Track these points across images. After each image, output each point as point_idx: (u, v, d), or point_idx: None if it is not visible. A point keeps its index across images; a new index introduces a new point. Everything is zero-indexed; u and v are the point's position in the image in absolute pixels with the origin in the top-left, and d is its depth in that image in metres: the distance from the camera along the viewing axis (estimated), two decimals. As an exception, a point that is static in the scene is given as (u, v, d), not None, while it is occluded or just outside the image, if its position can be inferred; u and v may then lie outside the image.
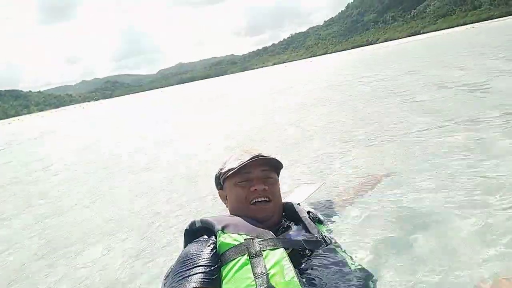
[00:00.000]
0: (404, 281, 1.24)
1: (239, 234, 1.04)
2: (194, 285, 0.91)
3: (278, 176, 1.35)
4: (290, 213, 1.28)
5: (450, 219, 1.59)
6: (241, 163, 1.24)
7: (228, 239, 1.03)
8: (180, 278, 0.95)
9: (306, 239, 1.11)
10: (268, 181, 1.25)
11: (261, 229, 1.09)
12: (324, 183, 2.35)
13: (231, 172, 1.25)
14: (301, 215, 1.23)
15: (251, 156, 1.25)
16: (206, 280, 0.93)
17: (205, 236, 1.09)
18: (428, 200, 1.82)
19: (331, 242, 1.15)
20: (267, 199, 1.22)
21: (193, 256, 1.00)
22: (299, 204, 1.37)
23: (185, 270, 0.96)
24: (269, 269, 0.93)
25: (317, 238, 1.13)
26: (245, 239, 1.02)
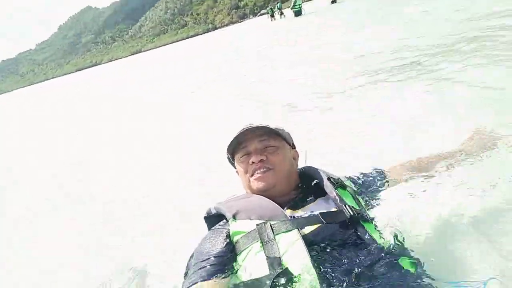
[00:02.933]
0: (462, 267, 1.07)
1: (250, 220, 1.01)
2: (206, 277, 0.91)
3: (290, 144, 1.27)
4: (308, 180, 1.19)
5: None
6: (233, 138, 1.19)
7: (240, 226, 1.01)
8: (194, 270, 0.95)
9: (324, 211, 1.02)
10: (267, 150, 1.17)
11: (275, 209, 1.02)
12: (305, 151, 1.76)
13: (228, 149, 1.23)
14: (320, 182, 1.13)
15: (243, 128, 1.18)
16: (218, 271, 0.93)
17: (221, 223, 1.09)
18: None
19: (357, 212, 1.01)
20: (265, 169, 1.14)
21: (207, 248, 1.00)
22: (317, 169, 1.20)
23: (199, 262, 0.97)
24: (283, 254, 0.90)
25: (338, 209, 1.03)
26: (257, 225, 0.98)
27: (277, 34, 13.55)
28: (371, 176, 1.28)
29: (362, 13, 11.64)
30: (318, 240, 0.93)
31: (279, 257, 0.89)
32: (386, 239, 1.00)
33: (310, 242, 0.92)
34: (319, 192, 1.11)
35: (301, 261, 0.87)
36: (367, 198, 1.20)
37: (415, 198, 1.28)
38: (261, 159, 1.14)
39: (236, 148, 1.21)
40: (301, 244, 0.90)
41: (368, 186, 1.24)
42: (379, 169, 1.31)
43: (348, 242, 0.93)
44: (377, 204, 1.20)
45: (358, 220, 0.98)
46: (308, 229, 0.96)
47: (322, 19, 14.48)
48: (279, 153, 1.18)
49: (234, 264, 0.96)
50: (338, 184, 1.10)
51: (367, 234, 0.95)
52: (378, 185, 1.25)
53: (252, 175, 1.14)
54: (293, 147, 1.29)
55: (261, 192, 1.11)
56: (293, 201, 1.09)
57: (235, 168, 1.28)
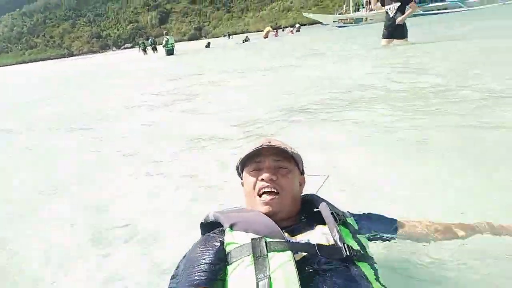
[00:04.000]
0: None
1: (246, 233, 1.00)
2: (196, 284, 0.92)
3: (300, 169, 1.26)
4: (311, 208, 1.19)
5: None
6: (251, 150, 1.19)
7: (235, 238, 1.01)
8: (184, 276, 0.96)
9: (321, 243, 0.99)
10: (279, 172, 1.17)
11: (273, 227, 1.02)
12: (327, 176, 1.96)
13: (242, 159, 1.22)
14: (322, 214, 1.11)
15: (262, 145, 1.18)
16: (209, 279, 0.93)
17: (216, 231, 1.08)
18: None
19: (354, 253, 0.98)
20: (275, 190, 1.13)
21: (200, 254, 1.00)
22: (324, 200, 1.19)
23: (190, 267, 0.97)
24: (272, 272, 0.90)
25: (335, 245, 1.00)
26: (252, 239, 0.97)
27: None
28: (377, 221, 1.25)
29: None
30: (310, 268, 0.93)
31: (268, 275, 0.89)
32: (381, 281, 0.98)
33: (301, 268, 0.91)
34: (319, 221, 1.11)
35: (289, 282, 0.87)
36: (368, 237, 1.20)
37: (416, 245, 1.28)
38: (271, 179, 1.14)
39: (248, 160, 1.22)
40: (292, 266, 0.90)
41: (369, 230, 1.21)
42: (392, 218, 1.27)
43: (340, 277, 0.92)
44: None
45: (354, 260, 0.98)
46: (302, 255, 0.96)
47: (193, 60, 16.06)
48: (289, 176, 1.19)
49: (225, 273, 0.96)
50: (341, 221, 1.10)
51: (361, 274, 0.95)
52: (382, 231, 1.23)
53: (259, 195, 1.15)
54: (302, 172, 1.29)
55: (267, 215, 1.11)
56: (293, 226, 1.10)
57: (241, 180, 1.29)
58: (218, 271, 0.96)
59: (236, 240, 1.00)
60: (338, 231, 1.04)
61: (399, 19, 7.61)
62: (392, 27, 7.83)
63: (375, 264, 1.04)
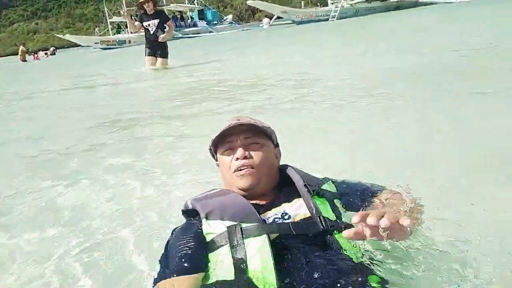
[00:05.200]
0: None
1: (222, 221, 1.02)
2: (178, 273, 0.92)
3: (274, 142, 1.28)
4: (287, 178, 1.19)
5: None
6: (221, 131, 1.18)
7: (211, 227, 1.02)
8: (166, 264, 0.99)
9: (296, 220, 1.02)
10: (251, 147, 1.18)
11: (248, 210, 1.03)
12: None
13: (214, 140, 1.22)
14: (297, 186, 1.12)
15: (230, 124, 1.17)
16: (190, 268, 0.94)
17: (197, 218, 1.09)
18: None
19: (331, 224, 1.00)
20: (250, 167, 1.14)
21: (181, 243, 1.01)
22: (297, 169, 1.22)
23: (172, 257, 0.99)
24: (249, 259, 0.92)
25: (312, 218, 1.02)
26: (228, 227, 0.99)
27: None
28: (360, 187, 1.20)
29: None
30: (286, 247, 0.95)
31: (245, 262, 0.91)
32: (359, 252, 0.96)
33: (279, 248, 0.93)
34: (297, 192, 1.11)
35: (266, 268, 0.89)
36: (348, 202, 1.15)
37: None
38: (245, 156, 1.15)
39: (220, 141, 1.21)
40: (268, 251, 0.92)
41: (348, 195, 1.17)
42: (379, 186, 1.21)
43: (317, 253, 0.93)
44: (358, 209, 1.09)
45: (331, 232, 0.98)
46: (277, 235, 0.97)
47: None
48: (263, 151, 1.19)
49: (206, 262, 0.97)
50: (315, 191, 1.09)
51: (339, 246, 0.95)
52: (363, 197, 1.15)
53: (234, 172, 1.15)
54: (276, 145, 1.30)
55: (243, 191, 1.13)
56: (270, 201, 1.11)
57: (216, 161, 1.29)
58: (201, 260, 0.96)
59: (212, 230, 1.02)
60: (313, 204, 1.04)
61: (161, 37, 7.60)
62: (154, 44, 7.74)
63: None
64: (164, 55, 7.90)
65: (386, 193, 1.15)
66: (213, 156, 1.31)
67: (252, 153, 1.16)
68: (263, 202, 1.11)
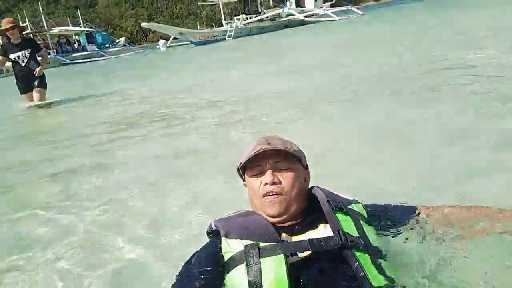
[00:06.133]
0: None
1: (241, 240, 1.03)
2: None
3: (303, 165, 1.23)
4: (317, 202, 1.16)
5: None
6: (249, 155, 1.15)
7: (230, 246, 1.04)
8: (184, 279, 1.02)
9: (312, 238, 1.01)
10: (281, 172, 1.15)
11: (267, 230, 1.04)
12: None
13: (242, 165, 1.20)
14: (320, 202, 1.12)
15: (261, 148, 1.15)
16: (208, 285, 0.97)
17: (216, 241, 1.11)
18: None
19: (351, 240, 0.98)
20: (279, 194, 1.12)
21: (202, 260, 1.05)
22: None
23: (192, 272, 1.02)
24: (264, 280, 0.93)
25: (334, 237, 1.00)
26: (246, 246, 1.00)
27: None
28: (392, 210, 1.24)
29: None
30: (304, 268, 0.96)
31: (260, 281, 0.92)
32: (382, 274, 0.94)
33: (296, 268, 0.95)
34: (324, 217, 1.09)
35: (280, 286, 0.91)
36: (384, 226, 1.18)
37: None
38: (274, 182, 1.12)
39: (249, 164, 1.18)
40: (283, 271, 0.93)
41: (379, 218, 1.19)
42: (412, 206, 1.26)
43: (336, 272, 0.94)
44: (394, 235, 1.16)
45: (351, 248, 0.97)
46: (297, 259, 0.98)
47: None
48: (292, 176, 1.16)
49: (224, 281, 0.99)
50: (337, 208, 1.08)
51: (359, 266, 0.94)
52: (397, 219, 1.20)
53: (263, 197, 1.13)
54: (306, 167, 1.26)
55: (271, 217, 1.11)
56: (296, 225, 1.10)
57: (244, 181, 1.27)
58: (218, 278, 0.98)
59: (231, 248, 1.02)
60: (334, 218, 1.04)
61: (38, 70, 6.57)
62: (27, 78, 6.65)
63: (379, 253, 1.01)
64: (42, 86, 6.84)
65: (438, 208, 1.23)
66: (241, 177, 1.29)
67: (281, 178, 1.14)
68: (287, 224, 1.11)
